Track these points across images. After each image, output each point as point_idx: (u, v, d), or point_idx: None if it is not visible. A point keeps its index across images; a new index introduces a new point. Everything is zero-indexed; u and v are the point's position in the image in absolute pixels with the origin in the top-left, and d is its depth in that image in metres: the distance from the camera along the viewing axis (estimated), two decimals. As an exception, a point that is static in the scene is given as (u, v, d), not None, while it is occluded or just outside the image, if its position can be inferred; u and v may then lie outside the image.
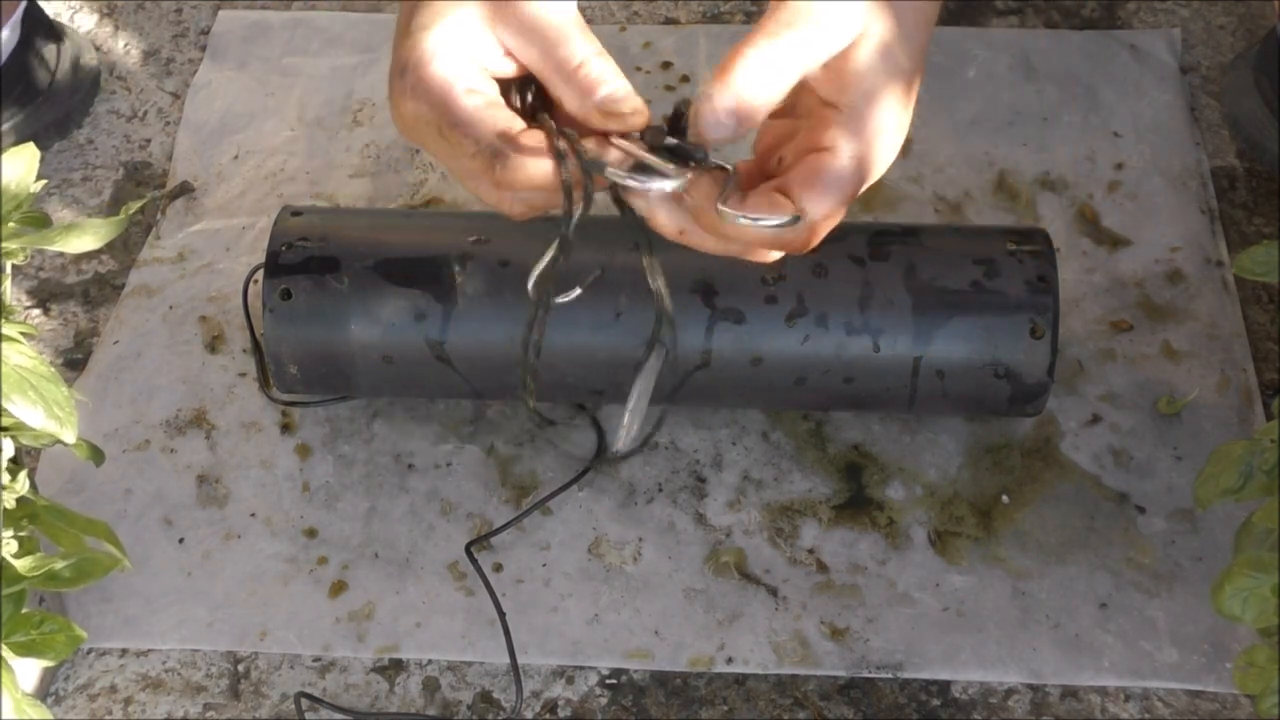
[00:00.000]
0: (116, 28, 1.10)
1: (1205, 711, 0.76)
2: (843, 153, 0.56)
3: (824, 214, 0.56)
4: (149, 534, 0.83)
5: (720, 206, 0.55)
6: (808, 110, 0.57)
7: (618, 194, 0.57)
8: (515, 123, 0.58)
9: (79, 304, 0.94)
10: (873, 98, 0.56)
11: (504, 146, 0.56)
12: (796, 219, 0.55)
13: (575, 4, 0.59)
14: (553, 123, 0.58)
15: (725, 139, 0.55)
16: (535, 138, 0.57)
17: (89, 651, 0.80)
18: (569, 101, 0.58)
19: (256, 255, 0.93)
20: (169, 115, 1.04)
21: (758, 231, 0.56)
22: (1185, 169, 0.97)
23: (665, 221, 0.58)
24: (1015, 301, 0.78)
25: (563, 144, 0.56)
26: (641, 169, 0.56)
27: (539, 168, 0.56)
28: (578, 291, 0.61)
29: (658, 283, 0.58)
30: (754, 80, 0.54)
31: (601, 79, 0.57)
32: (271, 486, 0.85)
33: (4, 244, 0.64)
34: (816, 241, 0.57)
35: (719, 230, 0.56)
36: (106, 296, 0.95)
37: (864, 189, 0.57)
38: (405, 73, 0.58)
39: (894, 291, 0.78)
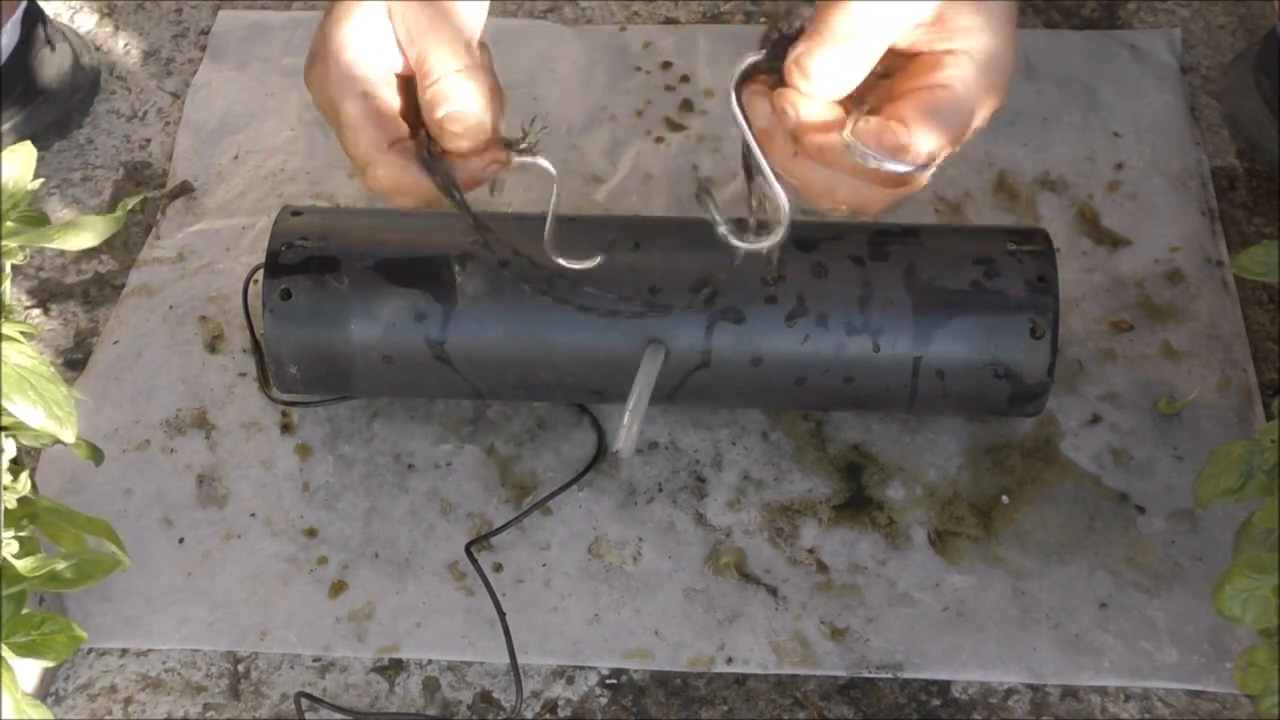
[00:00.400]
0: (116, 28, 1.10)
1: (1205, 711, 0.76)
2: (955, 87, 0.56)
3: (937, 147, 0.57)
4: (149, 534, 0.83)
5: (847, 135, 0.55)
6: (898, 67, 0.58)
7: (741, 104, 0.58)
8: (399, 130, 0.64)
9: (79, 304, 0.94)
10: (980, 38, 0.57)
11: (375, 156, 0.64)
12: (921, 168, 0.56)
13: (481, 17, 0.63)
14: (424, 135, 0.65)
15: (824, 92, 0.56)
16: (409, 148, 0.64)
17: (89, 651, 0.80)
18: (423, 110, 0.64)
19: (256, 255, 0.93)
20: (169, 115, 1.04)
21: (872, 169, 0.56)
22: (1185, 169, 0.97)
23: (783, 143, 0.58)
24: (1015, 301, 0.78)
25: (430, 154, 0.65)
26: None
27: (404, 178, 0.64)
28: (598, 259, 0.66)
29: (762, 163, 0.58)
30: (840, 55, 0.55)
31: (446, 98, 0.62)
32: (271, 486, 0.85)
33: (3, 243, 0.64)
34: (923, 182, 0.58)
35: (834, 160, 0.57)
36: (106, 296, 0.94)
37: (973, 130, 0.58)
38: (315, 64, 0.64)
39: (894, 291, 0.78)
